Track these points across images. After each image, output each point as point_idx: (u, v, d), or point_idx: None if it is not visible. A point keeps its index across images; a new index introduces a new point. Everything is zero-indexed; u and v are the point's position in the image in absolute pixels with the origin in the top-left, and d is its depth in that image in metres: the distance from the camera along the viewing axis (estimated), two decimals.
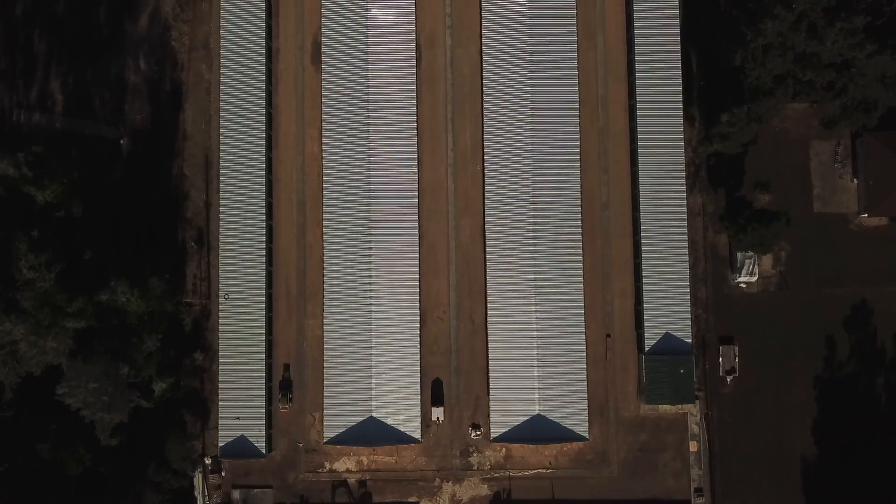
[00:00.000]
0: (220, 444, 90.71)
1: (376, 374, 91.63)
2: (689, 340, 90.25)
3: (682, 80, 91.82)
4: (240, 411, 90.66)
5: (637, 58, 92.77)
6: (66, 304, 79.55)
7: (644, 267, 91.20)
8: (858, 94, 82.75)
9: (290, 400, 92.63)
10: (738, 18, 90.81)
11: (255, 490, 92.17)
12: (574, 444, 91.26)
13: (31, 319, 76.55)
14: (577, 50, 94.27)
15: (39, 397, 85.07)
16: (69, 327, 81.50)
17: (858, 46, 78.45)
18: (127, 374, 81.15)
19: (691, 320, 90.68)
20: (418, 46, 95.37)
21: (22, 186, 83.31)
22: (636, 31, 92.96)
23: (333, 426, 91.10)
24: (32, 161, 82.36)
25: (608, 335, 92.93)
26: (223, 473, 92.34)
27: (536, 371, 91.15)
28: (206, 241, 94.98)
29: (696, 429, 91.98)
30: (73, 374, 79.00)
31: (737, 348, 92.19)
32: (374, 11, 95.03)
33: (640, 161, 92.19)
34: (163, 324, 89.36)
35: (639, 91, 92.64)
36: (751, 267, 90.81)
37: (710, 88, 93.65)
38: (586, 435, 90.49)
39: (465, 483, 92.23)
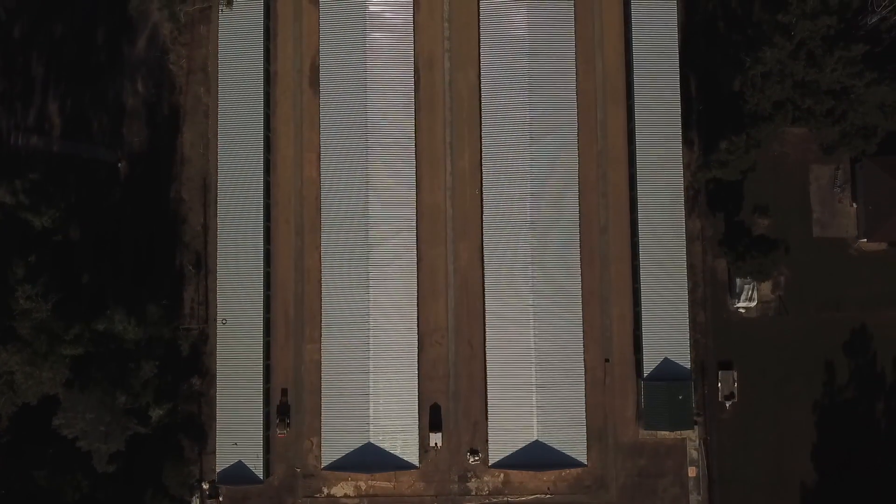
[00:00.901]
0: (218, 469, 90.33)
1: (374, 400, 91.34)
2: (688, 366, 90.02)
3: (681, 105, 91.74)
4: (237, 436, 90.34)
5: (636, 82, 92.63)
6: (64, 331, 79.31)
7: (643, 292, 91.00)
8: (858, 120, 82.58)
9: (288, 425, 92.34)
10: (737, 43, 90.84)
11: None
12: (573, 469, 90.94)
13: (28, 349, 76.27)
14: (576, 73, 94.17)
15: (37, 423, 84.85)
16: (66, 354, 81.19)
17: (857, 75, 78.29)
18: (124, 402, 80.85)
19: (690, 346, 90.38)
20: (417, 70, 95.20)
21: (19, 213, 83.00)
22: (635, 54, 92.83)
23: (331, 452, 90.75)
24: (29, 188, 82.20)
25: (607, 360, 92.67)
26: (221, 499, 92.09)
27: (535, 396, 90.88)
28: (204, 265, 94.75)
29: (695, 454, 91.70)
30: (70, 405, 78.78)
31: (736, 373, 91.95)
32: (372, 35, 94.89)
33: (639, 185, 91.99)
34: (160, 349, 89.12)
35: (637, 115, 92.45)
36: (750, 292, 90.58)
37: (709, 112, 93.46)
38: (585, 461, 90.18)
39: None
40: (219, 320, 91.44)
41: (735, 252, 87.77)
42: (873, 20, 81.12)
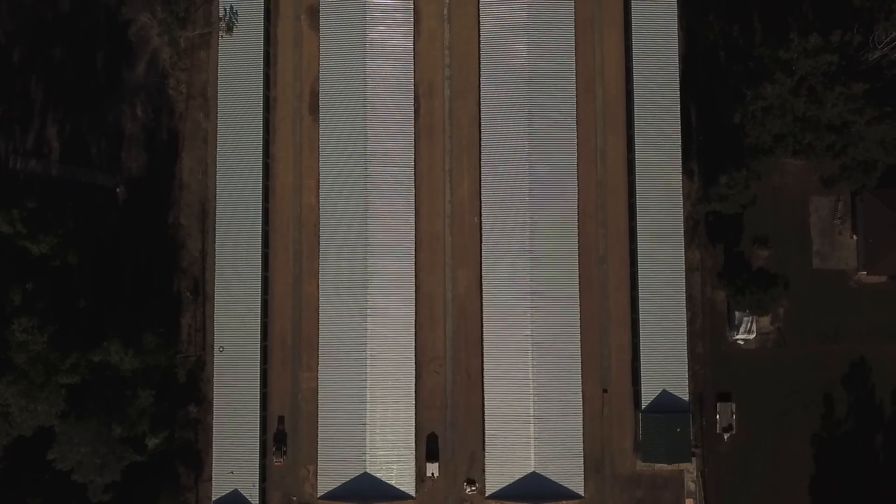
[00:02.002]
0: (214, 497, 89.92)
1: (370, 429, 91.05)
2: (686, 398, 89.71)
3: (682, 134, 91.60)
4: (234, 464, 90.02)
5: (636, 111, 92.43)
6: (60, 361, 79.09)
7: (641, 322, 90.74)
8: (858, 155, 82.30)
9: (285, 453, 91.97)
10: (738, 74, 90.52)
11: None
12: (570, 500, 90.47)
13: (24, 381, 76.03)
14: (576, 102, 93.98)
15: (32, 451, 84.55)
16: (62, 383, 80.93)
17: (858, 111, 78.01)
18: (120, 433, 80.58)
19: (688, 377, 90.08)
20: (417, 97, 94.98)
21: (17, 241, 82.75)
22: (636, 83, 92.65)
23: (328, 480, 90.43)
24: (27, 217, 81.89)
25: (605, 390, 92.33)
26: None
27: (532, 427, 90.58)
28: (201, 292, 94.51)
29: (692, 486, 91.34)
30: (65, 438, 78.54)
31: (734, 405, 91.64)
32: (372, 62, 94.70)
33: (639, 215, 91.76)
34: (157, 376, 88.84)
35: (638, 145, 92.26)
36: (749, 325, 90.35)
37: (709, 143, 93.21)
38: (582, 492, 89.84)
39: None
40: (216, 347, 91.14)
41: (734, 286, 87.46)
42: (874, 56, 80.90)
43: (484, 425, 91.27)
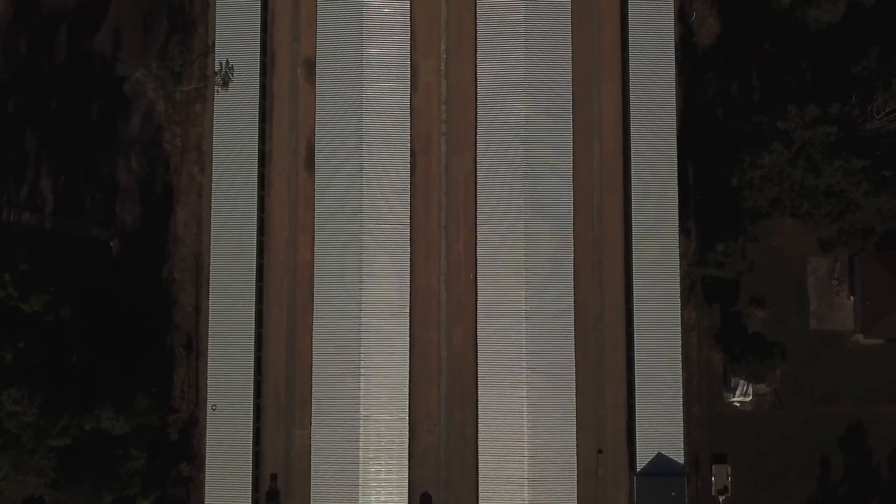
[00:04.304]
0: None
1: (364, 487, 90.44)
2: (682, 460, 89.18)
3: (679, 193, 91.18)
4: None
5: (633, 169, 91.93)
6: (51, 426, 78.54)
7: (637, 383, 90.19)
8: (856, 222, 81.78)
9: None
10: (736, 133, 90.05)
11: None
12: None
13: (14, 449, 75.45)
14: (573, 159, 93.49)
15: None
16: (53, 445, 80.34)
17: (856, 184, 77.52)
18: (111, 501, 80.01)
19: (684, 439, 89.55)
20: (413, 152, 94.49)
21: (8, 302, 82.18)
22: (633, 141, 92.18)
23: None
24: (19, 279, 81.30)
25: (600, 451, 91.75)
26: None
27: (527, 488, 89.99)
28: (194, 347, 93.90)
29: None
30: None
31: (730, 467, 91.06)
32: (368, 116, 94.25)
33: (635, 274, 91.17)
34: (149, 435, 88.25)
35: (635, 203, 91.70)
36: (745, 388, 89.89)
37: (706, 202, 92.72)
38: None
39: None
40: (209, 405, 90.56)
41: (731, 354, 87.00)
42: (873, 126, 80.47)
43: (478, 485, 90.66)
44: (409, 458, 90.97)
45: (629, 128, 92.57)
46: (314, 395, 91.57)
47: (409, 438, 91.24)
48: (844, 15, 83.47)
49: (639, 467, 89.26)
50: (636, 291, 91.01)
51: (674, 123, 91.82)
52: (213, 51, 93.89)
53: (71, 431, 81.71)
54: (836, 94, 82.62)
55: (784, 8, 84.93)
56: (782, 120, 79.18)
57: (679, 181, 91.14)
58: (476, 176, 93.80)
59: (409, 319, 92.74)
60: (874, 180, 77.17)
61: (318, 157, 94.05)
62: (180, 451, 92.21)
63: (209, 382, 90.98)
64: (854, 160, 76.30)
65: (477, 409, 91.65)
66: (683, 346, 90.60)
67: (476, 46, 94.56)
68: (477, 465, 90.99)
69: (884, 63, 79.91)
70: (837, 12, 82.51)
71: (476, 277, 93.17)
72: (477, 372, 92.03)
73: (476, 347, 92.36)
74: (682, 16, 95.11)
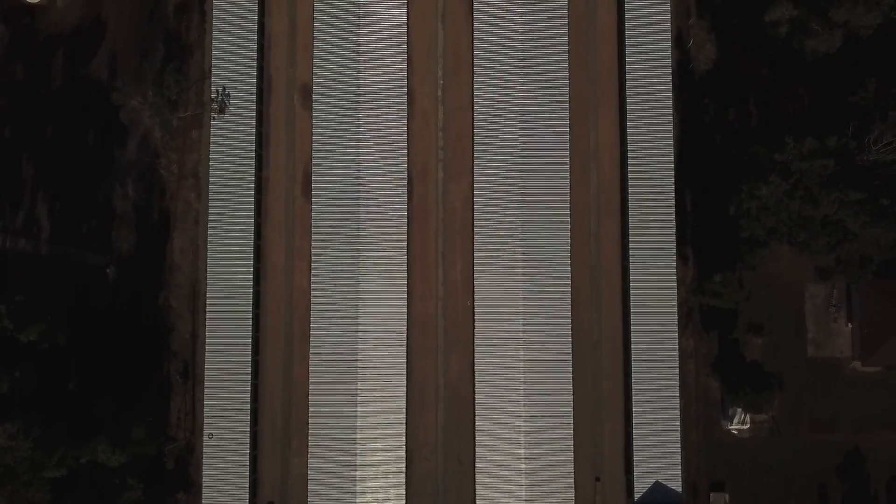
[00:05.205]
0: None
1: None
2: (679, 488, 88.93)
3: (676, 219, 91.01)
4: None
5: (630, 195, 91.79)
6: (46, 459, 78.32)
7: (635, 410, 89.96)
8: (854, 252, 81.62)
9: None
10: (734, 159, 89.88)
11: None
12: None
13: (9, 485, 75.25)
14: (570, 185, 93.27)
15: None
16: (48, 477, 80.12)
17: (853, 216, 77.38)
18: None
19: (682, 467, 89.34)
20: (410, 179, 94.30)
21: (3, 333, 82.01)
22: (630, 167, 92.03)
23: None
24: (15, 311, 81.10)
25: (598, 478, 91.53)
26: None
27: None
28: (191, 375, 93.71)
29: None
30: None
31: (727, 495, 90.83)
32: (366, 143, 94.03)
33: (632, 301, 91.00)
34: (146, 464, 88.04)
35: (632, 229, 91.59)
36: (742, 417, 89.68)
37: (704, 229, 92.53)
38: None
39: None
40: (205, 433, 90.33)
41: (728, 384, 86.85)
42: (870, 157, 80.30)
43: None
44: (406, 485, 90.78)
45: (626, 154, 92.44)
46: (311, 422, 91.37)
47: (406, 466, 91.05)
48: (841, 46, 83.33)
49: (636, 495, 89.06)
50: (633, 318, 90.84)
51: (671, 149, 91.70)
52: (210, 76, 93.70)
53: (67, 462, 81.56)
54: (833, 123, 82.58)
55: (781, 37, 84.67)
56: (780, 151, 78.97)
57: (676, 207, 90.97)
58: (473, 202, 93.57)
59: (407, 346, 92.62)
60: (872, 212, 77.02)
61: (315, 184, 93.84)
62: (177, 480, 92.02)
63: (206, 410, 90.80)
64: (851, 192, 76.14)
65: (474, 436, 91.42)
66: (681, 373, 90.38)
67: (473, 72, 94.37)
68: (474, 493, 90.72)
69: (881, 95, 79.90)
70: (834, 43, 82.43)
71: (473, 304, 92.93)
72: (474, 399, 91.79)
73: (473, 374, 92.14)
74: (679, 41, 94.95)
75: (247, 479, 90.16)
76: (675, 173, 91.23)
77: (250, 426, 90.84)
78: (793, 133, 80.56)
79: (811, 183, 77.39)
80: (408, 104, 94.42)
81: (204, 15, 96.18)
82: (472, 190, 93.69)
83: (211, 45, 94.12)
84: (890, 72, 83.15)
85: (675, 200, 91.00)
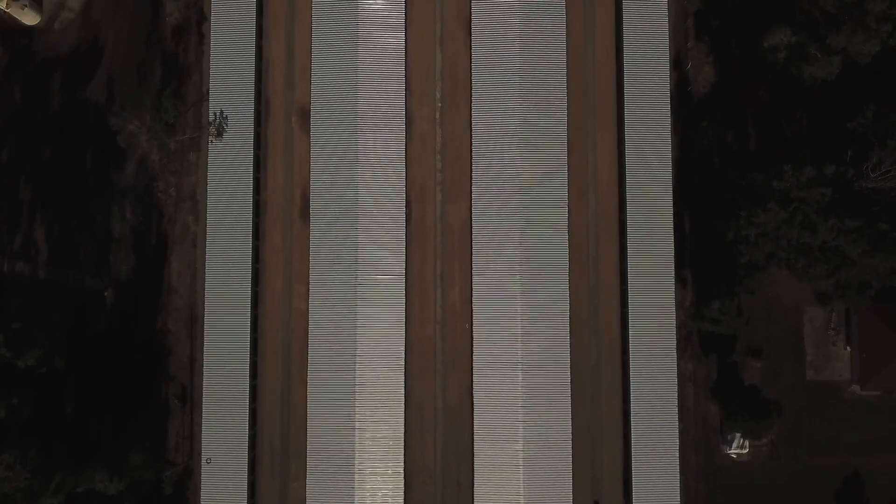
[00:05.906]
0: None
1: None
2: None
3: (675, 242, 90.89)
4: None
5: (629, 217, 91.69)
6: (44, 487, 78.18)
7: (633, 434, 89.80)
8: (852, 278, 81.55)
9: None
10: (732, 182, 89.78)
11: None
12: None
13: None
14: (568, 208, 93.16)
15: None
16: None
17: (852, 243, 77.34)
18: None
19: (681, 491, 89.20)
20: (408, 202, 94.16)
21: (1, 360, 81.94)
22: (628, 190, 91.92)
23: None
24: (12, 338, 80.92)
25: (596, 502, 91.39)
26: None
27: None
28: (189, 399, 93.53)
29: None
30: None
31: None
32: (364, 165, 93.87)
33: (631, 324, 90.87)
34: (144, 489, 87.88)
35: (630, 253, 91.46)
36: (741, 441, 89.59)
37: (702, 252, 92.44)
38: None
39: None
40: (203, 458, 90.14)
41: (727, 410, 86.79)
42: (868, 184, 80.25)
43: None
44: None
45: (625, 176, 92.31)
46: (309, 446, 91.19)
47: (404, 490, 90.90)
48: (840, 72, 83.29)
49: None
50: (632, 342, 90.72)
51: (669, 172, 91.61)
52: (208, 99, 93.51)
53: (65, 489, 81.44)
54: (832, 149, 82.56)
55: (779, 63, 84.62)
56: (778, 179, 78.87)
57: (675, 230, 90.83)
58: (472, 225, 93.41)
59: (405, 370, 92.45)
60: (870, 239, 76.92)
61: (313, 207, 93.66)
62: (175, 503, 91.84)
63: (204, 434, 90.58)
64: (848, 220, 76.07)
65: (473, 460, 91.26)
66: (679, 397, 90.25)
67: (471, 94, 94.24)
68: None
69: (879, 122, 79.82)
70: (833, 69, 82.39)
71: (472, 327, 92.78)
72: (473, 423, 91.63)
73: (472, 398, 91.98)
74: (677, 64, 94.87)
75: None
76: (673, 196, 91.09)
77: (248, 450, 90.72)
78: (791, 159, 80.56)
79: (809, 210, 77.33)
80: (406, 127, 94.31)
81: (202, 37, 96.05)
82: (471, 212, 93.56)
83: (209, 67, 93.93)
84: (888, 99, 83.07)
85: (674, 223, 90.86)
